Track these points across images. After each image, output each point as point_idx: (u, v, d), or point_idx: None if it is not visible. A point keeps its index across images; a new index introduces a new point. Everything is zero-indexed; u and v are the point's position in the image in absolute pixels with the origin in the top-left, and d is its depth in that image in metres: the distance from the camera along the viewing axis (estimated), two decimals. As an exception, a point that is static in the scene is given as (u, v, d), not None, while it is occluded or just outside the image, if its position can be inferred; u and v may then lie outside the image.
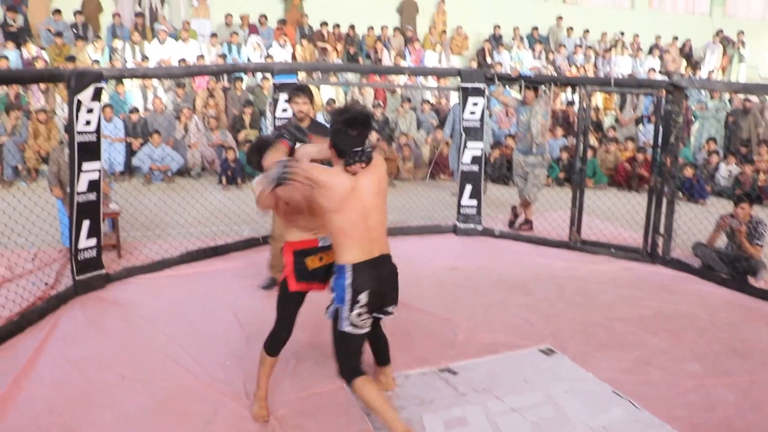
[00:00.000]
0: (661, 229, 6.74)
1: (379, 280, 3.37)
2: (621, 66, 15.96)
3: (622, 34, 17.02)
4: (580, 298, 5.78)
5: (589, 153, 8.68)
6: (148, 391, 4.04)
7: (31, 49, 11.78)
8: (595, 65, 15.99)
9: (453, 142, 10.25)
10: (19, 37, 12.25)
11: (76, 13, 13.16)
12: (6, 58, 11.28)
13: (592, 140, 11.19)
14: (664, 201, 6.73)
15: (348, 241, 3.31)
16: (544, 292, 5.89)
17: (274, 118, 7.03)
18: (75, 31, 12.88)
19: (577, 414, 3.85)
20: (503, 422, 3.75)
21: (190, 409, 3.86)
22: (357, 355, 3.44)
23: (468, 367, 4.41)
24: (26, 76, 6.73)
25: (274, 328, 3.71)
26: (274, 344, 3.70)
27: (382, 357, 4.02)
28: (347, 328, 3.33)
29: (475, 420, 3.78)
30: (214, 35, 13.54)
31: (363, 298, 3.30)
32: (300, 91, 5.47)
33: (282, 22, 14.54)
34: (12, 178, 9.89)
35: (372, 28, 15.26)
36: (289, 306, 3.69)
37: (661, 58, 16.62)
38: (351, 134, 3.21)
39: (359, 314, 3.31)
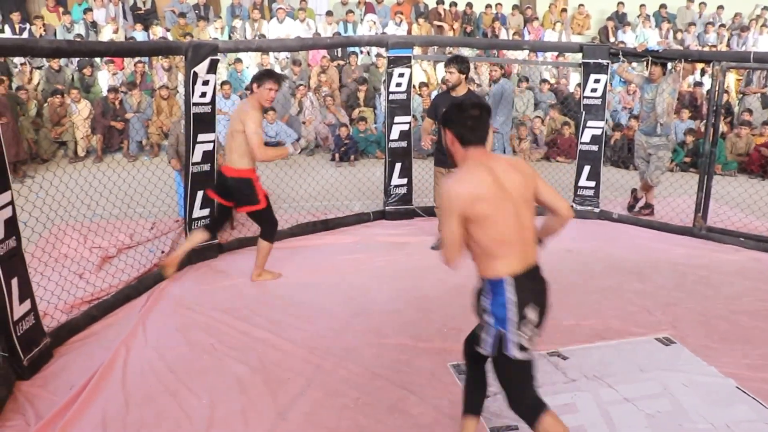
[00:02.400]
0: (799, 218, 6.21)
1: (540, 295, 2.83)
2: (759, 46, 14.77)
3: (765, 8, 15.76)
4: (703, 287, 5.40)
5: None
6: (246, 359, 4.09)
7: (156, 31, 12.27)
8: (728, 45, 14.95)
9: (500, 132, 10.28)
10: (147, 19, 12.80)
11: (199, -7, 13.57)
12: (133, 38, 11.82)
13: (722, 125, 10.46)
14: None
15: (502, 251, 2.69)
16: (662, 280, 5.54)
17: (388, 93, 6.96)
18: (197, 12, 13.30)
19: (696, 408, 3.58)
20: (615, 412, 3.55)
21: (283, 378, 3.88)
22: (534, 384, 2.83)
23: (579, 353, 4.20)
24: (145, 49, 6.98)
25: None
26: None
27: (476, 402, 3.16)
28: (516, 353, 2.70)
29: (585, 407, 3.59)
30: (329, 14, 13.60)
31: (531, 314, 2.72)
32: (450, 61, 5.72)
33: (398, 1, 14.42)
34: (136, 152, 10.35)
35: (489, 6, 14.88)
36: None
37: (807, 35, 15.35)
38: (473, 114, 2.72)
39: (529, 336, 2.72)
